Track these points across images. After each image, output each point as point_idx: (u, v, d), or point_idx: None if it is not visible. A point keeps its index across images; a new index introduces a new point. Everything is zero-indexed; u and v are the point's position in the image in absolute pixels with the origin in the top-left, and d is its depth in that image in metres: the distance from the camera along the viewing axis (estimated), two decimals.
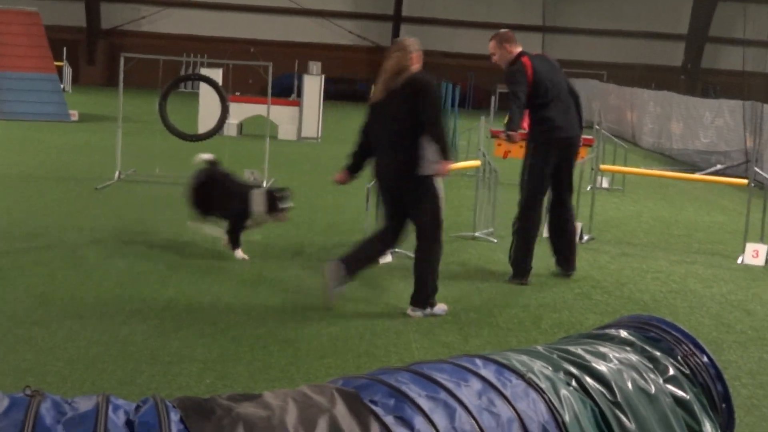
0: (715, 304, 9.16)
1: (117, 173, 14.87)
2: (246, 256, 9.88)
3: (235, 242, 9.98)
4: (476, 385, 3.77)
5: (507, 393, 3.78)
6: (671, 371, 4.33)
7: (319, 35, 47.54)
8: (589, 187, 14.51)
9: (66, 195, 13.25)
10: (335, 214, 12.93)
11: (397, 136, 8.02)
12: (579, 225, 11.35)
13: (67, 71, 37.60)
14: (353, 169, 8.57)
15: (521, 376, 3.92)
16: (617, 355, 4.31)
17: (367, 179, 9.25)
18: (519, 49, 9.79)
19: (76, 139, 20.85)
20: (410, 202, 8.13)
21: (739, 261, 11.20)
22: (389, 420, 3.35)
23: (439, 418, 3.46)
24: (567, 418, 3.81)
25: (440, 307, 8.22)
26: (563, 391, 3.92)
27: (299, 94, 25.06)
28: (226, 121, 16.31)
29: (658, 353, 4.41)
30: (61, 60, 35.77)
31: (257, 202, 9.91)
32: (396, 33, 47.70)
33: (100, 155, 17.59)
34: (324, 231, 11.68)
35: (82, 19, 45.94)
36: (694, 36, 45.45)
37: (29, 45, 24.68)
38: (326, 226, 12.00)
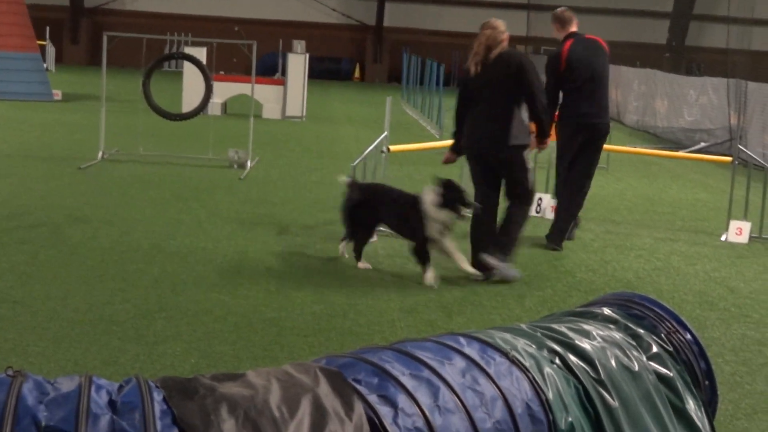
0: (698, 282, 9.19)
1: (100, 153, 14.82)
2: (434, 281, 8.49)
3: (425, 260, 8.56)
4: (460, 363, 3.77)
5: (491, 371, 3.78)
6: (654, 348, 4.35)
7: (304, 14, 47.39)
8: None
9: (49, 174, 13.20)
10: (320, 192, 12.91)
11: (493, 108, 8.52)
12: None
13: (50, 50, 37.37)
14: (458, 148, 9.01)
15: (505, 354, 3.92)
16: (600, 332, 4.32)
17: (345, 158, 9.24)
18: (567, 31, 10.06)
19: (59, 118, 20.77)
20: (503, 171, 8.67)
21: (722, 238, 11.23)
22: (373, 398, 3.35)
23: (423, 396, 3.47)
24: (550, 395, 3.82)
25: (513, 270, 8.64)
26: (547, 369, 3.93)
27: (284, 73, 24.98)
28: (211, 101, 16.26)
29: (641, 331, 4.43)
30: (44, 39, 35.56)
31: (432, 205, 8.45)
32: (381, 11, 47.59)
33: (84, 135, 17.53)
34: (308, 209, 11.66)
35: None
36: (678, 13, 45.49)
37: (12, 24, 24.50)
38: (310, 204, 11.98)
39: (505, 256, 8.62)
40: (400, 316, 7.41)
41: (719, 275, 9.47)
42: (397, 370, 3.56)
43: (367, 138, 10.94)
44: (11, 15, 24.67)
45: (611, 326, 4.43)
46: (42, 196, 11.57)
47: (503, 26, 8.65)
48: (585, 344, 4.16)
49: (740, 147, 12.61)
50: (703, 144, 20.69)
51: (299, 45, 24.94)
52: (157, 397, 3.02)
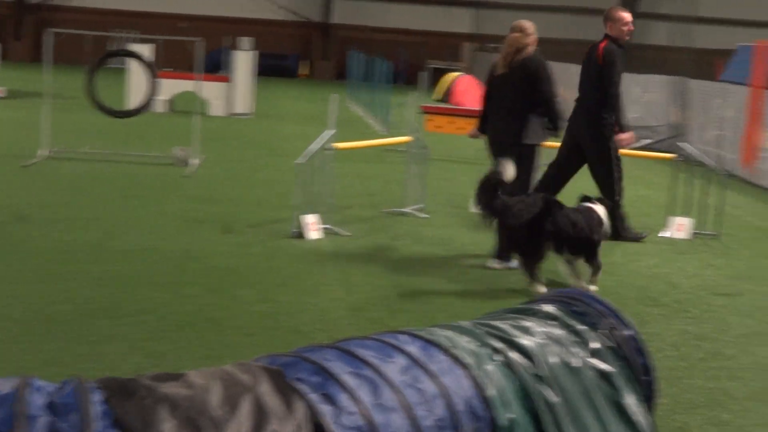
0: (640, 278, 9.29)
1: (44, 150, 14.67)
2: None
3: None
4: (401, 361, 3.79)
5: (432, 369, 3.81)
6: (595, 345, 4.39)
7: (252, 10, 47.18)
8: None
9: None
10: (266, 190, 12.88)
11: (512, 106, 9.35)
12: None
13: None
14: (482, 128, 9.80)
15: (446, 351, 3.95)
16: (542, 329, 4.36)
17: (292, 156, 9.24)
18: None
19: (3, 115, 20.53)
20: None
21: (665, 234, 11.36)
22: (314, 397, 3.37)
23: (364, 395, 3.48)
24: (491, 393, 3.85)
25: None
26: (488, 366, 3.96)
27: (230, 70, 24.88)
28: (157, 98, 16.16)
29: (582, 327, 4.47)
30: None
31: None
32: (327, 8, 47.52)
33: (28, 132, 17.32)
34: (254, 207, 11.63)
35: None
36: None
37: None
38: (256, 203, 11.95)
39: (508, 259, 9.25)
40: (346, 315, 7.42)
41: (661, 271, 9.57)
42: (339, 368, 3.57)
43: (315, 135, 10.92)
44: None
45: (552, 323, 4.47)
46: None
47: (532, 29, 9.41)
48: (526, 341, 4.20)
49: (681, 144, 12.76)
50: (646, 141, 20.88)
51: (246, 42, 24.87)
52: (97, 397, 3.01)
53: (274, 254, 9.24)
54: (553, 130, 9.65)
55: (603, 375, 4.31)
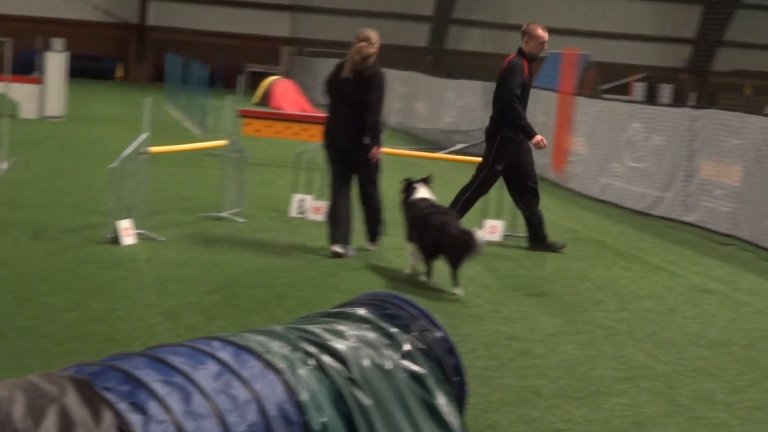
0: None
1: None
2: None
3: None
4: (213, 367, 3.78)
5: (244, 374, 3.81)
6: (407, 347, 4.47)
7: (64, 11, 45.96)
8: None
9: None
10: (78, 195, 12.58)
11: (353, 110, 9.82)
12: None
13: None
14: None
15: (259, 356, 3.96)
16: (354, 332, 4.41)
17: (106, 160, 9.07)
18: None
19: None
20: (357, 163, 10.00)
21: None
22: (122, 406, 3.33)
23: (175, 402, 3.46)
24: (304, 396, 3.88)
25: None
26: (301, 371, 3.99)
27: (42, 72, 24.18)
28: None
29: (394, 329, 4.54)
30: None
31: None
32: (143, 10, 46.76)
33: None
34: (66, 212, 11.34)
35: None
36: (438, 17, 46.76)
37: None
38: (68, 207, 11.66)
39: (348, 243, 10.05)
40: (160, 321, 7.33)
41: (473, 273, 9.76)
42: (149, 376, 3.54)
43: (129, 139, 10.74)
44: None
45: (365, 326, 4.53)
46: None
47: (376, 38, 9.93)
48: (339, 344, 4.25)
49: None
50: (460, 145, 21.26)
51: (58, 43, 24.23)
52: None
53: (87, 260, 9.04)
54: (369, 138, 9.91)
55: (415, 376, 4.40)
